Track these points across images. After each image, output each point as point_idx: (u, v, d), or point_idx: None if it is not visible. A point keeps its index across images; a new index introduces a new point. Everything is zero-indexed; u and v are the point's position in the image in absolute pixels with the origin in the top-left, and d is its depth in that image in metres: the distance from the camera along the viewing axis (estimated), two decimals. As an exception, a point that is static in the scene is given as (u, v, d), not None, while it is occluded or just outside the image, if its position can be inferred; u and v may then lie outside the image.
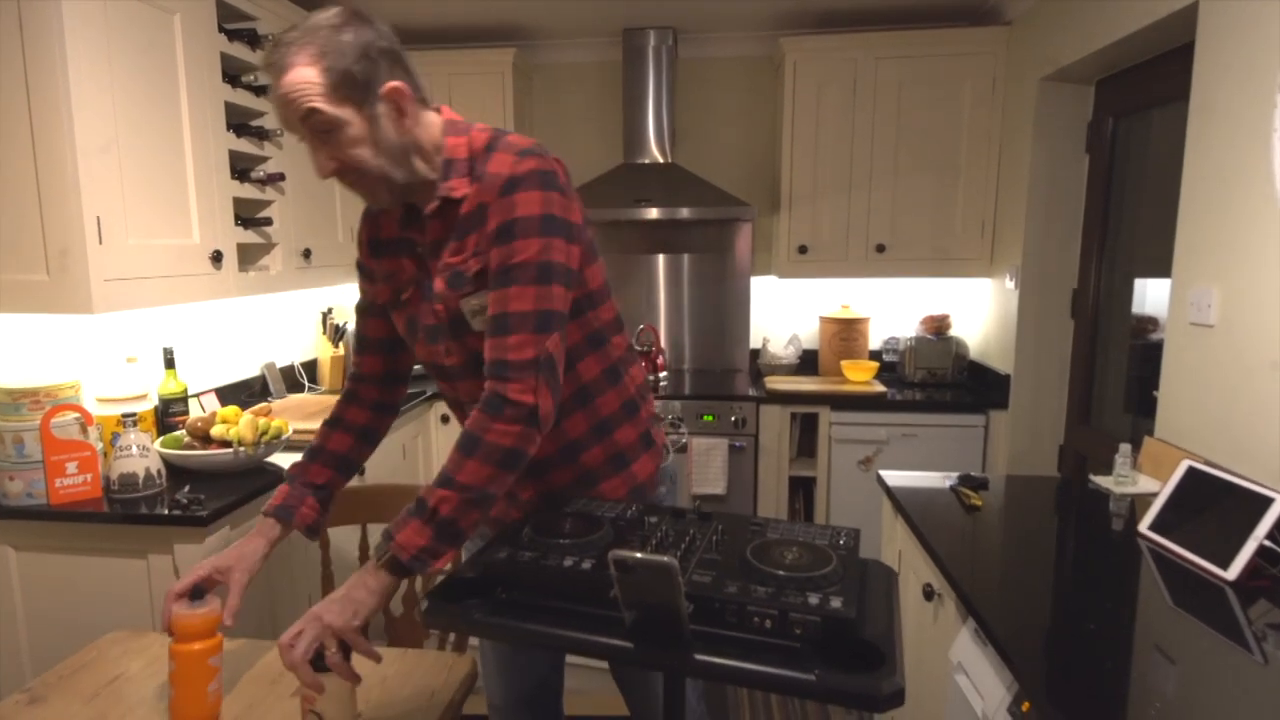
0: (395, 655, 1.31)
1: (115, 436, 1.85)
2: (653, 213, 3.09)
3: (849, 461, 3.06)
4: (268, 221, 2.44)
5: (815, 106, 3.11)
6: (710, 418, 3.06)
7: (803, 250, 3.20)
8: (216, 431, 1.98)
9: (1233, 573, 1.32)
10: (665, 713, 1.00)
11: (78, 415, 1.77)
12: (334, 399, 2.01)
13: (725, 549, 1.00)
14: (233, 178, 2.28)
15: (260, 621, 1.86)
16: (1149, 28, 2.02)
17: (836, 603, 0.85)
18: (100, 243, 1.76)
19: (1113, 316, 2.60)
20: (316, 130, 1.07)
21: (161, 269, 1.97)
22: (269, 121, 2.44)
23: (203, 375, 2.60)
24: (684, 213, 3.09)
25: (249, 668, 1.26)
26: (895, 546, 1.86)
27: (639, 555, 0.81)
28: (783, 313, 3.60)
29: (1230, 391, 1.66)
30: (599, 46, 3.47)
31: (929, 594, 1.56)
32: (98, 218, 1.76)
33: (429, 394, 3.08)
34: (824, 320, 3.38)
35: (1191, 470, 1.53)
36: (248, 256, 2.45)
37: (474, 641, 1.55)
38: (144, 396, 2.09)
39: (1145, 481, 1.81)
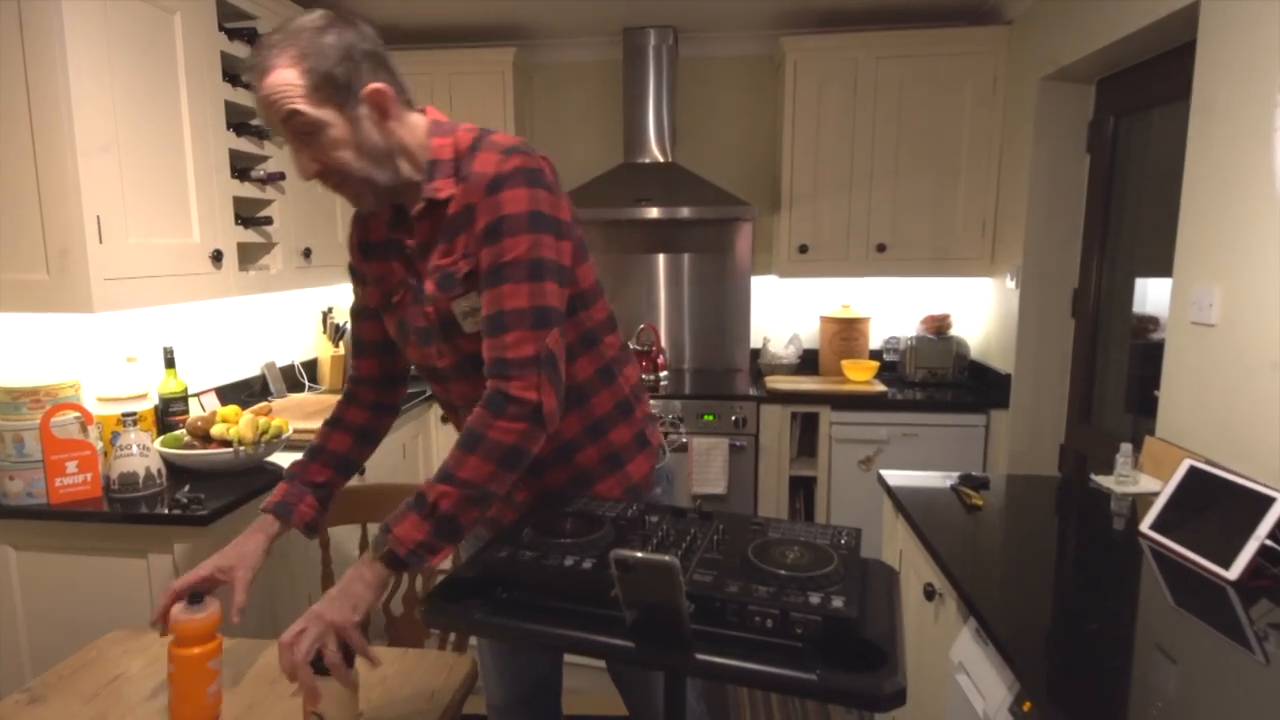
0: (395, 655, 1.30)
1: (115, 436, 1.85)
2: (653, 212, 3.09)
3: (849, 461, 3.05)
4: (268, 221, 2.44)
5: (816, 106, 3.11)
6: (711, 417, 3.06)
7: (803, 250, 3.20)
8: (217, 431, 1.98)
9: (1234, 572, 1.31)
10: (666, 712, 1.00)
11: (78, 414, 1.77)
12: (334, 399, 2.01)
13: (726, 548, 1.00)
14: (233, 177, 2.28)
15: (261, 621, 1.86)
16: (1150, 27, 2.02)
17: (838, 602, 0.85)
18: (100, 242, 1.76)
19: (1114, 316, 2.59)
20: (298, 132, 1.07)
21: (162, 268, 1.97)
22: (269, 121, 2.44)
23: (203, 375, 2.60)
24: (684, 212, 3.09)
25: (249, 667, 1.26)
26: (896, 546, 1.86)
27: (640, 555, 0.81)
28: (783, 312, 3.60)
29: (1231, 391, 1.66)
30: (599, 46, 3.46)
31: (930, 594, 1.56)
32: (98, 217, 1.75)
33: (429, 394, 3.07)
34: (824, 320, 3.38)
35: (1193, 470, 1.53)
36: (248, 256, 2.45)
37: (474, 641, 1.55)
38: (144, 396, 2.09)
39: (1146, 481, 1.81)
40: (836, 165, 3.14)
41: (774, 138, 3.42)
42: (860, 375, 3.19)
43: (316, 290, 3.33)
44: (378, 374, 1.37)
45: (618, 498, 1.30)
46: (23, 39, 1.66)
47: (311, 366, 3.25)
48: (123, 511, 1.73)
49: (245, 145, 2.35)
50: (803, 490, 3.22)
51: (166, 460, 1.94)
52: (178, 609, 1.08)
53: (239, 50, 2.29)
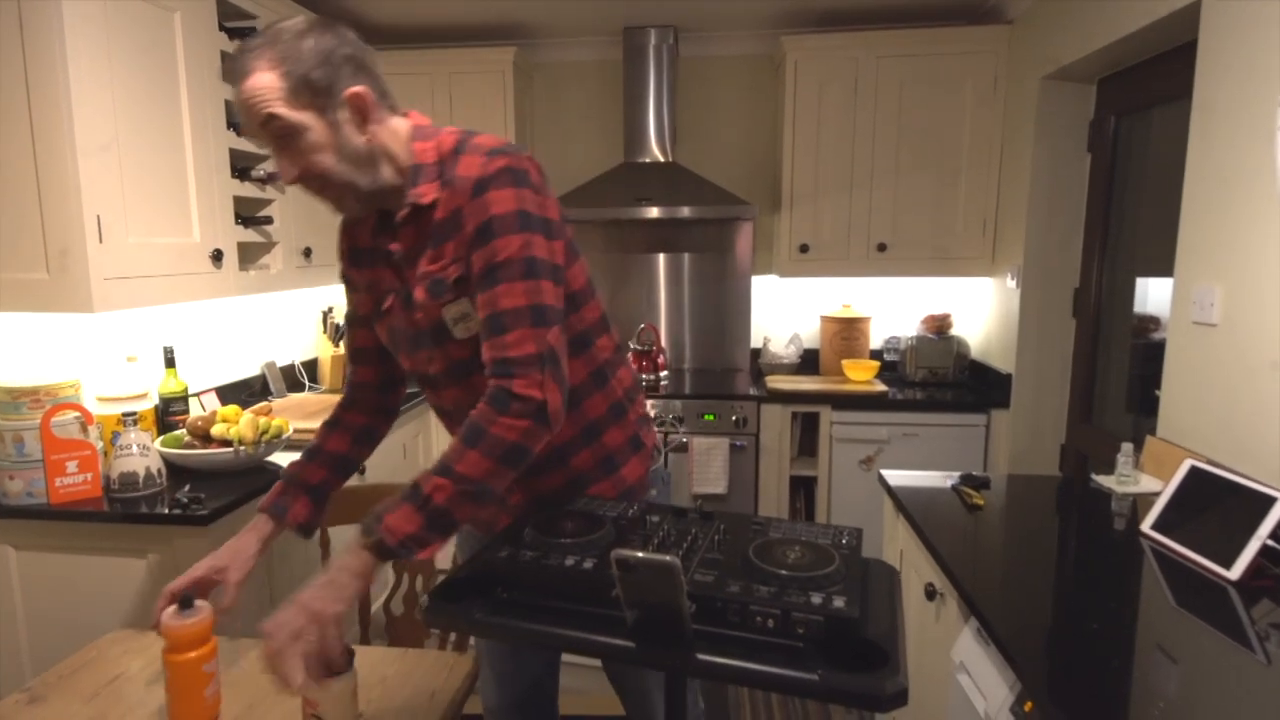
0: (395, 655, 1.30)
1: (115, 435, 1.85)
2: (653, 212, 3.09)
3: (850, 461, 3.05)
4: (268, 220, 2.44)
5: (816, 105, 3.11)
6: (711, 417, 3.06)
7: (804, 249, 3.20)
8: (217, 431, 1.98)
9: (1235, 572, 1.31)
10: (667, 713, 1.00)
11: (78, 414, 1.77)
12: (334, 398, 2.01)
13: (727, 548, 1.00)
14: (233, 176, 2.28)
15: (261, 620, 1.86)
16: (1150, 27, 2.02)
17: (839, 602, 0.85)
18: (100, 241, 1.76)
19: (1114, 315, 2.59)
20: (277, 136, 1.06)
21: (162, 268, 1.97)
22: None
23: (203, 374, 2.60)
24: (685, 212, 3.09)
25: (249, 668, 1.26)
26: (897, 546, 1.86)
27: (641, 555, 0.80)
28: (784, 312, 3.59)
29: (1232, 391, 1.66)
30: (600, 45, 3.46)
31: (931, 593, 1.56)
32: (98, 216, 1.75)
33: (429, 393, 3.07)
34: (825, 319, 3.38)
35: (1194, 470, 1.53)
36: (248, 255, 2.45)
37: (473, 642, 1.55)
38: (144, 395, 2.09)
39: (1147, 481, 1.81)
40: (837, 165, 3.14)
41: (774, 137, 3.42)
42: (861, 375, 3.19)
43: (316, 290, 3.33)
44: (375, 379, 1.37)
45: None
46: (23, 39, 1.66)
47: (312, 366, 3.25)
48: (123, 511, 1.73)
49: (245, 144, 2.34)
50: (803, 490, 3.22)
51: (166, 460, 1.94)
52: (168, 615, 1.08)
53: (239, 50, 2.29)
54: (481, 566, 0.98)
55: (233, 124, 2.27)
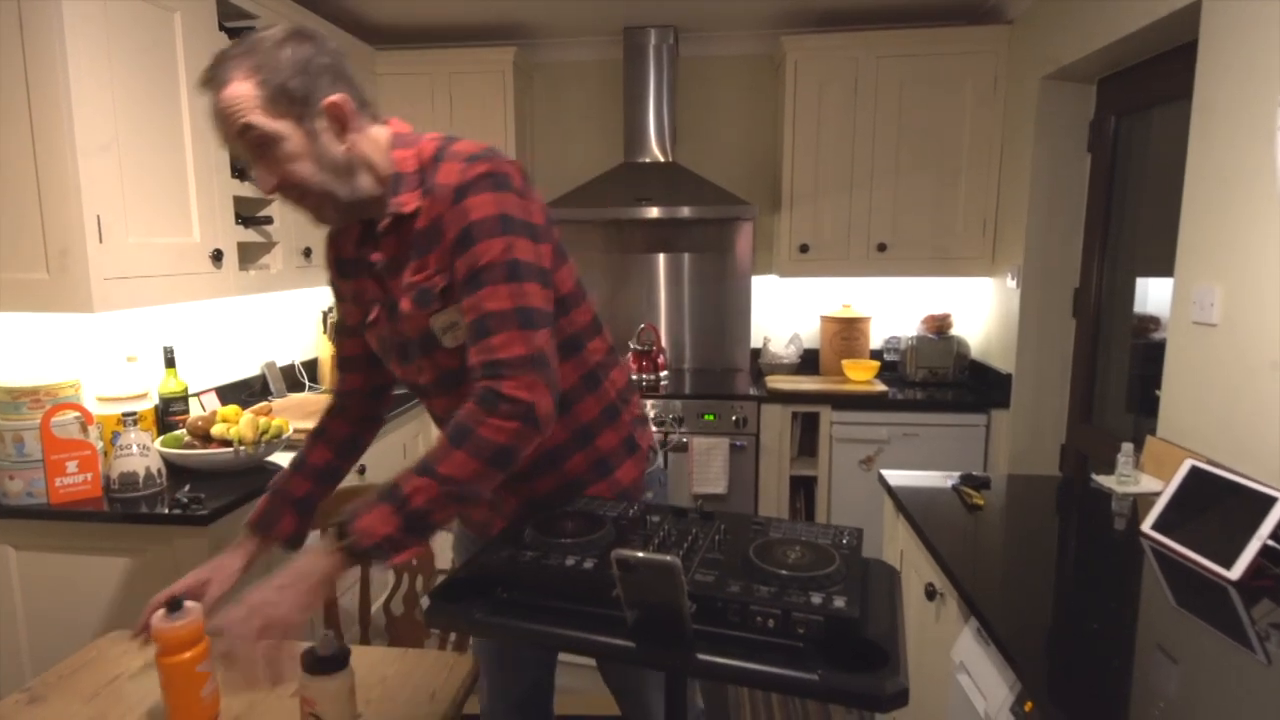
0: (395, 655, 1.30)
1: (115, 435, 1.85)
2: (653, 211, 3.09)
3: (850, 461, 3.05)
4: (268, 220, 2.44)
5: (816, 105, 3.11)
6: (711, 417, 3.06)
7: (804, 249, 3.20)
8: (217, 430, 1.98)
9: (1236, 572, 1.31)
10: (667, 713, 1.00)
11: (78, 414, 1.77)
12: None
13: (727, 548, 1.00)
14: (233, 176, 2.28)
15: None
16: (1150, 27, 2.02)
17: (840, 602, 0.85)
18: (100, 241, 1.76)
19: (1115, 315, 2.59)
20: (254, 145, 1.05)
21: (162, 268, 1.97)
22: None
23: (203, 374, 2.60)
24: (685, 211, 3.09)
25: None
26: (897, 546, 1.86)
27: (642, 555, 0.80)
28: (784, 312, 3.59)
29: (1233, 391, 1.66)
30: (600, 45, 3.46)
31: (931, 593, 1.56)
32: (98, 216, 1.75)
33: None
34: (825, 319, 3.38)
35: (1194, 470, 1.53)
36: (248, 255, 2.45)
37: (472, 643, 1.55)
38: (144, 395, 2.09)
39: (1147, 481, 1.81)
40: (837, 165, 3.14)
41: (774, 137, 3.42)
42: (861, 375, 3.19)
43: (317, 290, 3.32)
44: (362, 388, 1.37)
45: None
46: (23, 39, 1.66)
47: (312, 366, 3.25)
48: (123, 511, 1.73)
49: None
50: (803, 490, 3.22)
51: (166, 460, 1.94)
52: (157, 618, 1.07)
53: (239, 50, 2.29)
54: (482, 567, 0.98)
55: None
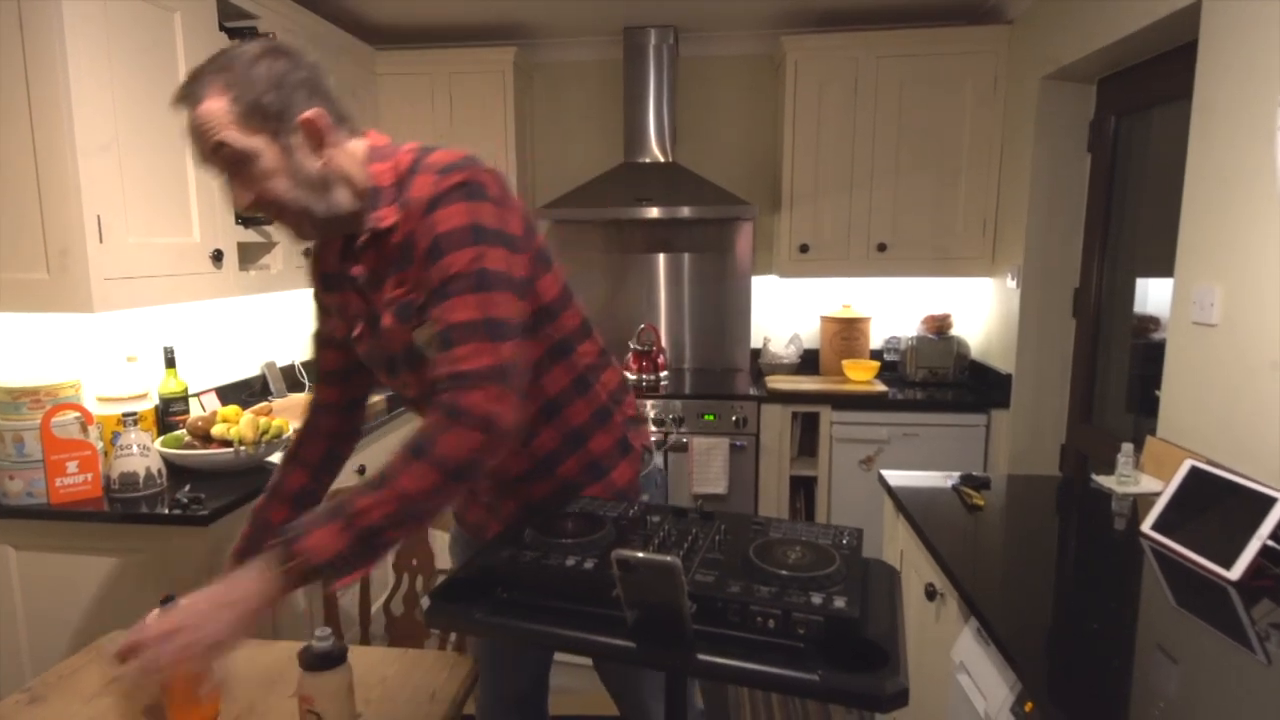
0: (395, 655, 1.30)
1: (116, 436, 1.85)
2: (653, 212, 3.09)
3: (850, 461, 3.05)
4: (268, 220, 2.43)
5: (816, 105, 3.11)
6: (711, 417, 3.06)
7: (804, 249, 3.20)
8: (217, 431, 1.98)
9: (1236, 572, 1.31)
10: (668, 713, 1.00)
11: (78, 414, 1.77)
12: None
13: (728, 548, 1.00)
14: (233, 177, 2.28)
15: (260, 622, 1.86)
16: (1151, 27, 2.02)
17: (840, 602, 0.85)
18: (100, 241, 1.76)
19: (1115, 315, 2.59)
20: (228, 162, 1.04)
21: (162, 268, 1.97)
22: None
23: (203, 374, 2.60)
24: (685, 211, 3.09)
25: (249, 668, 1.26)
26: (897, 546, 1.86)
27: (642, 555, 0.81)
28: (784, 312, 3.59)
29: (1233, 391, 1.66)
30: (600, 45, 3.46)
31: (931, 593, 1.56)
32: (98, 216, 1.75)
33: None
34: (825, 320, 3.38)
35: (1194, 470, 1.53)
36: (248, 255, 2.44)
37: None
38: (144, 396, 2.09)
39: (1147, 481, 1.81)
40: (837, 165, 3.14)
41: (774, 137, 3.42)
42: (861, 375, 3.19)
43: (317, 290, 3.32)
44: (337, 401, 1.35)
45: None
46: (23, 39, 1.66)
47: (312, 366, 3.25)
48: (123, 511, 1.73)
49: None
50: (803, 490, 3.22)
51: (167, 460, 1.94)
52: (151, 618, 1.06)
53: (239, 50, 2.29)
54: (482, 567, 0.98)
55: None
